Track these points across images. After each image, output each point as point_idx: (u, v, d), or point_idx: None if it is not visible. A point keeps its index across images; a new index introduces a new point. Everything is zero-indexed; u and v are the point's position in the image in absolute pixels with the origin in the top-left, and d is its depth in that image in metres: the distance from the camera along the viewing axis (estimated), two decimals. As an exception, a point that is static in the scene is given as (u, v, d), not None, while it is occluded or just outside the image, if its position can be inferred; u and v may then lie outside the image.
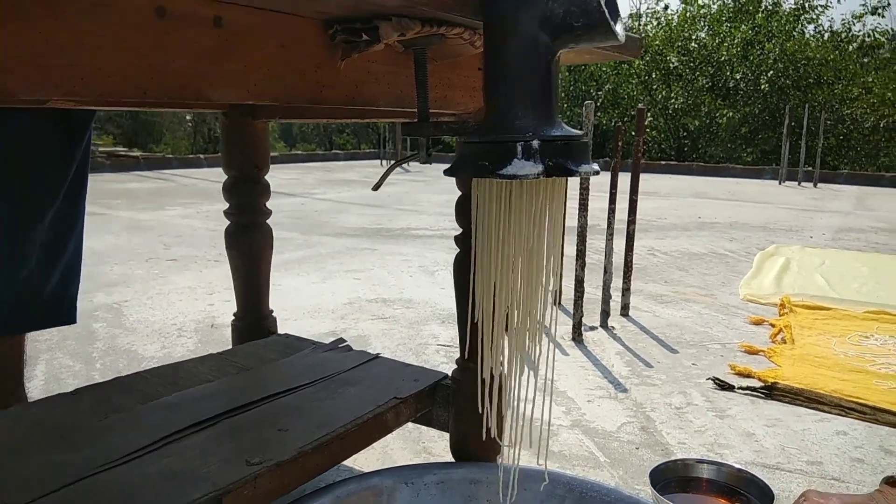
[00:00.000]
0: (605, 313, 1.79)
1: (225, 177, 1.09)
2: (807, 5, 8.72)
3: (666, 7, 10.38)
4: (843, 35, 9.03)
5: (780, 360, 1.55)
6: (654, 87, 9.68)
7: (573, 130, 0.61)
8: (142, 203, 4.23)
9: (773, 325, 1.83)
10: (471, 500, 0.82)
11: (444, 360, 1.53)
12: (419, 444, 1.14)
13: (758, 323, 1.86)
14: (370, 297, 2.08)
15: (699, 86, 9.19)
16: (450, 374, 0.93)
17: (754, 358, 1.59)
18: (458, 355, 0.90)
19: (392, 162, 0.77)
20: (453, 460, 0.92)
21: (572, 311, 1.71)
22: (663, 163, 8.54)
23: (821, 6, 8.81)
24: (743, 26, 8.85)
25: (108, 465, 0.68)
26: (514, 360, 0.66)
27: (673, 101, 9.36)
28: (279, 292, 2.13)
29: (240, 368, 0.97)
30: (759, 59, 8.56)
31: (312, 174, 6.73)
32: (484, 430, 0.70)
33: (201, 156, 7.71)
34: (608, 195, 1.78)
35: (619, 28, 0.62)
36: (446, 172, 0.62)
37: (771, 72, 8.35)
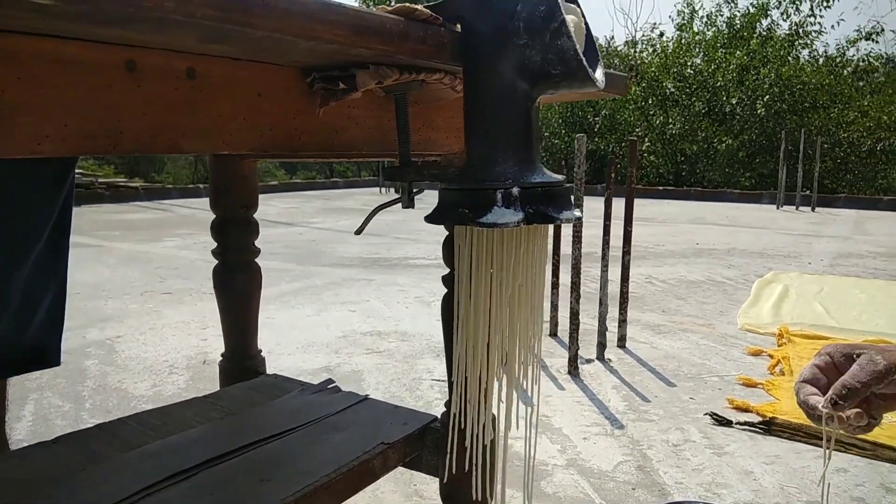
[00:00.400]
0: (602, 345, 1.77)
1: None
2: (801, 31, 8.80)
3: (661, 34, 10.46)
4: (838, 59, 9.10)
5: (779, 392, 1.53)
6: (651, 112, 9.74)
7: (554, 176, 0.60)
8: (140, 234, 4.22)
9: (771, 356, 1.81)
10: (459, 549, 0.80)
11: (437, 396, 1.51)
12: (410, 487, 1.12)
13: (756, 354, 1.84)
14: (365, 330, 2.06)
15: (696, 111, 9.24)
16: (439, 416, 0.92)
17: (752, 391, 1.57)
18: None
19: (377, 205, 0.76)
20: (443, 506, 0.90)
21: (568, 344, 1.69)
22: (661, 188, 8.55)
23: (815, 31, 8.90)
24: (738, 52, 8.92)
25: (84, 520, 0.66)
26: (499, 414, 0.65)
27: (670, 126, 9.40)
28: (273, 326, 2.11)
29: (225, 413, 0.95)
30: (754, 85, 8.61)
31: (312, 203, 6.74)
32: (473, 491, 0.68)
33: (200, 185, 7.73)
34: (602, 226, 1.78)
35: (598, 73, 0.62)
36: (427, 219, 0.61)
37: (767, 96, 8.39)
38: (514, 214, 0.57)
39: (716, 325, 2.17)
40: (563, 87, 0.58)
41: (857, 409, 0.52)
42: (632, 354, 1.83)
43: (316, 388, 1.04)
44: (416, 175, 0.65)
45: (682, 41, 9.69)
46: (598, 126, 10.32)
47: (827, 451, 0.55)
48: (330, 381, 1.07)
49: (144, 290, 2.64)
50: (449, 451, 0.71)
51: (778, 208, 6.60)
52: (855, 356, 0.54)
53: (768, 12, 9.03)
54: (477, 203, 0.57)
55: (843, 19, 10.91)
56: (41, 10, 0.35)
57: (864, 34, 8.78)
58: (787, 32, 8.94)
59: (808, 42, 8.92)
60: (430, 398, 1.51)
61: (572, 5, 0.60)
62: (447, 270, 0.77)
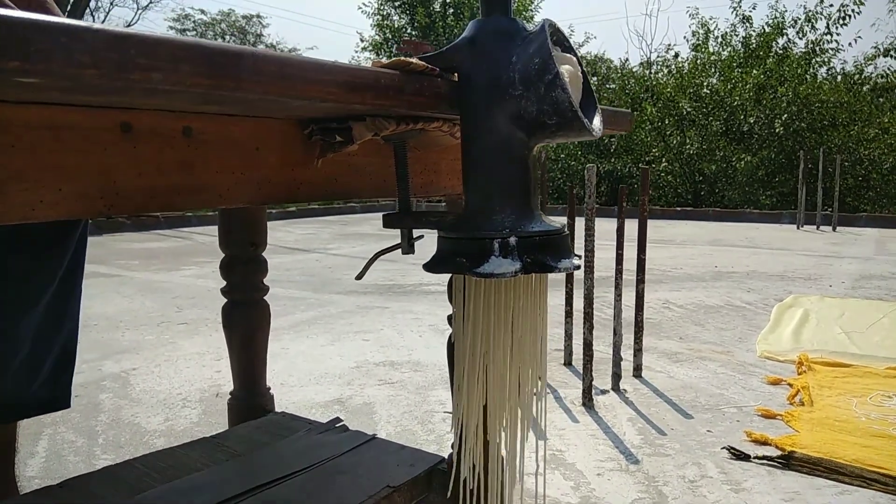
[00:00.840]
0: (617, 376, 1.75)
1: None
2: (817, 49, 8.75)
3: (676, 55, 10.45)
4: (856, 77, 9.03)
5: (798, 424, 1.50)
6: (668, 132, 9.71)
7: (552, 224, 0.60)
8: (158, 263, 4.27)
9: (791, 385, 1.77)
10: None
11: (449, 430, 1.50)
12: (420, 527, 1.10)
13: (775, 383, 1.81)
14: (378, 360, 2.05)
15: (713, 131, 9.20)
16: (446, 456, 0.91)
17: (771, 422, 1.53)
18: (452, 440, 0.88)
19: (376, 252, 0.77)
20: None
21: (582, 375, 1.67)
22: (679, 209, 8.50)
23: (832, 49, 8.85)
24: (754, 71, 8.89)
25: (86, 571, 0.66)
26: (497, 463, 0.64)
27: (688, 146, 9.36)
28: (287, 357, 2.11)
29: (231, 455, 0.95)
30: (772, 103, 8.57)
31: (329, 228, 6.78)
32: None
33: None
34: (615, 255, 1.76)
35: (596, 121, 0.62)
36: (425, 267, 0.61)
37: (785, 115, 8.34)
38: (512, 264, 0.56)
39: (734, 352, 2.13)
40: (560, 137, 0.58)
41: None
42: (648, 384, 1.81)
43: (323, 428, 1.04)
44: (415, 223, 0.65)
45: (698, 61, 9.68)
46: (614, 147, 10.31)
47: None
48: (337, 419, 1.06)
49: (161, 320, 2.66)
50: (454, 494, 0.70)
51: (798, 228, 6.52)
52: None
53: (784, 31, 9.01)
54: (474, 252, 0.57)
55: (860, 36, 10.82)
56: (28, 86, 0.35)
57: (882, 50, 8.70)
58: (804, 51, 8.90)
59: (826, 60, 8.87)
60: (442, 431, 1.49)
61: (569, 55, 0.60)
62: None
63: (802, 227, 6.55)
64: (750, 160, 8.71)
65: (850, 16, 8.51)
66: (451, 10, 13.31)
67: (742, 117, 8.90)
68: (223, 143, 0.55)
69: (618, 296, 1.77)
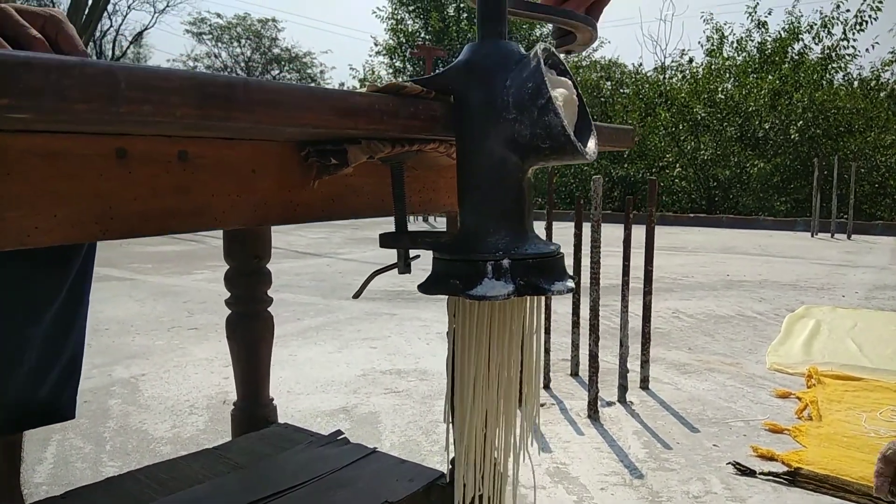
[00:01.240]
0: (623, 388, 1.74)
1: (226, 267, 1.10)
2: (834, 55, 8.69)
3: (690, 60, 10.41)
4: (873, 83, 8.95)
5: (806, 439, 1.49)
6: (682, 138, 9.67)
7: (547, 246, 0.60)
8: (171, 267, 4.30)
9: (799, 399, 1.76)
10: None
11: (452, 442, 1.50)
12: (420, 540, 1.11)
13: (784, 396, 1.79)
14: (385, 368, 2.06)
15: (728, 136, 9.15)
16: (446, 470, 0.91)
17: (778, 437, 1.52)
18: (451, 456, 0.88)
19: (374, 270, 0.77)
20: (448, 567, 0.88)
21: (588, 387, 1.66)
22: (692, 215, 8.45)
23: (848, 55, 8.78)
24: (770, 77, 8.83)
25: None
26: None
27: (702, 151, 9.32)
28: (295, 364, 2.12)
29: (232, 467, 0.95)
30: (787, 109, 8.51)
31: (340, 232, 6.80)
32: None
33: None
34: (622, 266, 1.76)
35: (591, 144, 0.62)
36: (420, 288, 0.61)
37: (801, 121, 8.28)
38: (504, 287, 0.56)
39: (744, 364, 2.12)
40: (554, 160, 0.58)
41: None
42: (655, 397, 1.80)
43: (324, 441, 1.04)
44: (411, 243, 0.66)
45: (712, 67, 9.63)
46: (627, 152, 10.27)
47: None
48: (339, 432, 1.07)
49: (172, 325, 2.68)
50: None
51: (812, 236, 6.47)
52: None
53: (800, 36, 8.95)
54: (467, 274, 0.57)
55: (877, 42, 10.74)
56: (20, 121, 0.36)
57: (899, 56, 8.63)
58: (820, 56, 8.83)
59: (842, 66, 8.80)
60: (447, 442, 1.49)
61: (564, 78, 0.60)
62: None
63: (817, 234, 6.50)
64: (764, 166, 8.66)
65: (867, 21, 8.44)
66: (465, 15, 13.35)
67: (757, 123, 8.85)
68: (219, 166, 0.55)
69: (624, 307, 1.76)
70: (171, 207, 0.52)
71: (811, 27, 8.94)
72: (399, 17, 13.88)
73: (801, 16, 9.33)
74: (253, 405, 1.13)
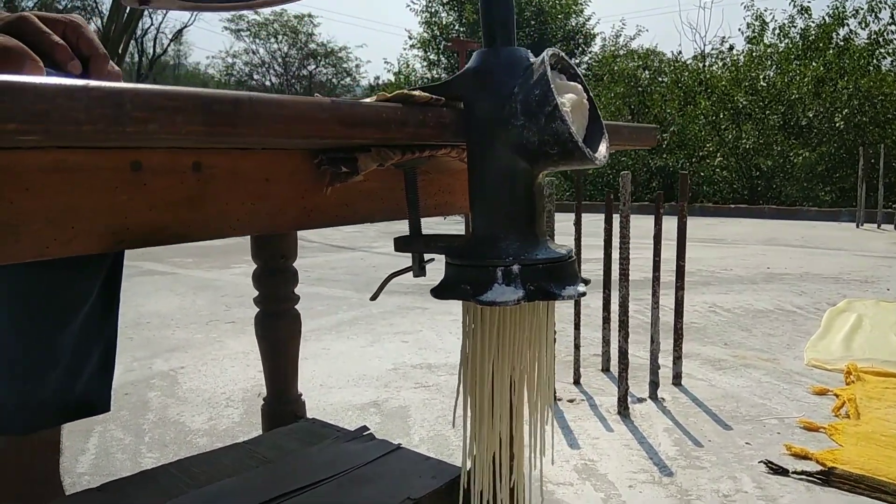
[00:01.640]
0: (654, 384, 1.73)
1: (254, 266, 1.12)
2: (881, 40, 8.39)
3: (731, 48, 10.17)
4: (924, 67, 8.64)
5: (842, 438, 1.45)
6: (723, 126, 9.47)
7: (559, 251, 0.60)
8: (210, 261, 4.39)
9: (837, 396, 1.72)
10: None
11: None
12: (445, 536, 1.12)
13: (821, 393, 1.75)
14: (415, 363, 2.08)
15: (770, 125, 8.92)
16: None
17: (814, 435, 1.49)
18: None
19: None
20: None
21: (618, 383, 1.65)
22: (732, 206, 8.28)
23: (898, 39, 8.47)
24: (813, 63, 8.58)
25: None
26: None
27: (744, 140, 9.11)
28: (328, 357, 2.16)
29: (260, 461, 0.98)
30: (832, 97, 8.26)
31: (375, 226, 6.85)
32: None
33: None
34: (653, 262, 1.74)
35: (602, 148, 0.61)
36: (432, 293, 0.61)
37: (846, 109, 8.03)
38: (514, 292, 0.57)
39: (781, 359, 2.08)
40: (563, 166, 0.58)
41: None
42: (687, 393, 1.78)
43: (351, 436, 1.06)
44: (424, 247, 0.66)
45: (754, 54, 9.39)
46: (666, 142, 10.11)
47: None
48: (364, 428, 1.09)
49: (210, 319, 2.75)
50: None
51: (858, 227, 6.28)
52: None
53: (845, 22, 8.66)
54: (478, 280, 0.58)
55: (929, 24, 10.32)
56: (28, 142, 0.37)
57: (953, 39, 8.30)
58: (866, 42, 8.54)
59: (890, 51, 8.49)
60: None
61: (573, 83, 0.60)
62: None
63: (862, 225, 6.30)
64: (809, 155, 8.43)
65: (917, 3, 8.12)
66: None
67: (800, 111, 8.61)
68: (233, 176, 0.56)
69: (655, 303, 1.74)
70: (185, 217, 0.54)
71: (857, 12, 8.64)
72: (433, 10, 13.87)
73: (847, 0, 9.04)
74: (282, 401, 1.15)
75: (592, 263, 3.18)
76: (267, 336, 1.14)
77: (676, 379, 1.84)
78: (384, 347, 2.26)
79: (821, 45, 8.83)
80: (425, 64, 16.86)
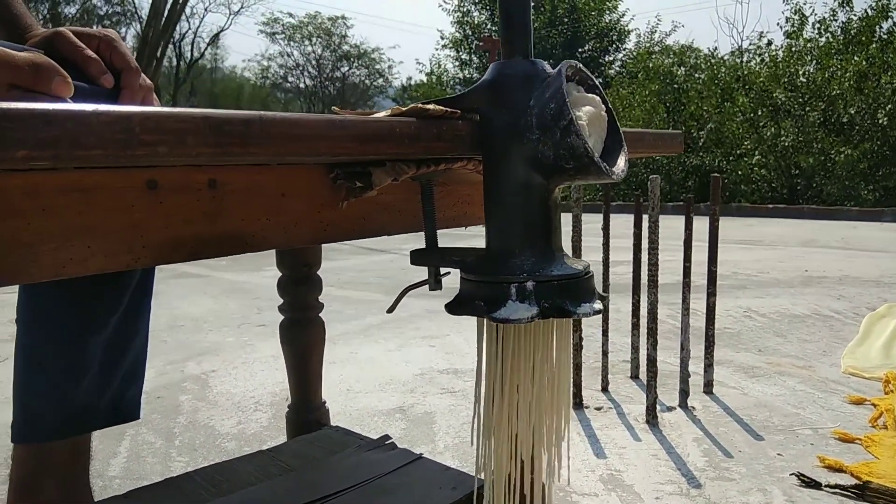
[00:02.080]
0: (684, 392, 1.70)
1: (279, 274, 1.13)
2: (927, 33, 8.14)
3: (769, 43, 9.95)
4: (973, 61, 8.34)
5: (879, 450, 1.41)
6: (762, 124, 9.27)
7: (574, 267, 0.59)
8: (243, 263, 4.45)
9: (875, 406, 1.67)
10: None
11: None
12: (468, 546, 1.11)
13: (858, 402, 1.70)
14: (442, 368, 2.07)
15: (810, 121, 8.71)
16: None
17: (849, 447, 1.45)
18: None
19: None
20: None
21: (646, 392, 1.63)
22: (771, 206, 8.11)
23: (945, 32, 8.20)
24: (855, 58, 8.35)
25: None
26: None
27: (783, 138, 8.92)
28: (356, 362, 2.17)
29: (284, 469, 0.99)
30: (875, 92, 8.03)
31: (407, 227, 6.88)
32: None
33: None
34: (682, 268, 1.71)
35: (620, 161, 0.60)
36: (446, 307, 0.61)
37: (889, 105, 7.80)
38: (528, 310, 0.56)
39: (817, 367, 2.02)
40: (580, 180, 0.57)
41: None
42: (718, 402, 1.74)
43: (373, 445, 1.06)
44: (440, 261, 0.66)
45: (793, 49, 9.18)
46: (702, 140, 9.94)
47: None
48: (386, 437, 1.09)
49: (241, 322, 2.78)
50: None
51: (903, 227, 6.09)
52: None
53: (889, 14, 8.41)
54: (491, 296, 0.57)
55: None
56: (41, 166, 0.38)
57: None
58: (912, 35, 8.28)
59: (937, 44, 8.23)
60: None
61: (592, 95, 0.59)
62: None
63: (907, 225, 6.12)
64: (851, 153, 8.21)
65: (966, -5, 7.85)
66: (532, 5, 13.17)
67: (842, 107, 8.39)
68: (249, 191, 0.57)
69: (685, 310, 1.71)
70: (201, 234, 0.54)
71: (902, 3, 8.39)
72: (465, 10, 13.86)
73: (892, -9, 8.77)
74: (306, 408, 1.16)
75: (623, 266, 3.14)
76: (291, 343, 1.15)
77: (708, 387, 1.80)
78: (411, 352, 2.27)
79: (863, 38, 8.59)
80: (457, 64, 16.86)
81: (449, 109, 0.58)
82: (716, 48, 13.62)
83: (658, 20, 28.40)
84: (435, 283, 0.68)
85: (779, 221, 7.08)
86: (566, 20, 14.77)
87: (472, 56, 14.53)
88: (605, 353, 1.84)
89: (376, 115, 0.59)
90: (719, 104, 9.84)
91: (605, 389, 1.83)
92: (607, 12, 15.37)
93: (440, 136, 0.57)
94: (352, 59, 21.60)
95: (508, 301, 0.57)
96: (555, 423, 0.61)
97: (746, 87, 9.56)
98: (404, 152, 0.54)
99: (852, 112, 8.29)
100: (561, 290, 0.57)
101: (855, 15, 8.83)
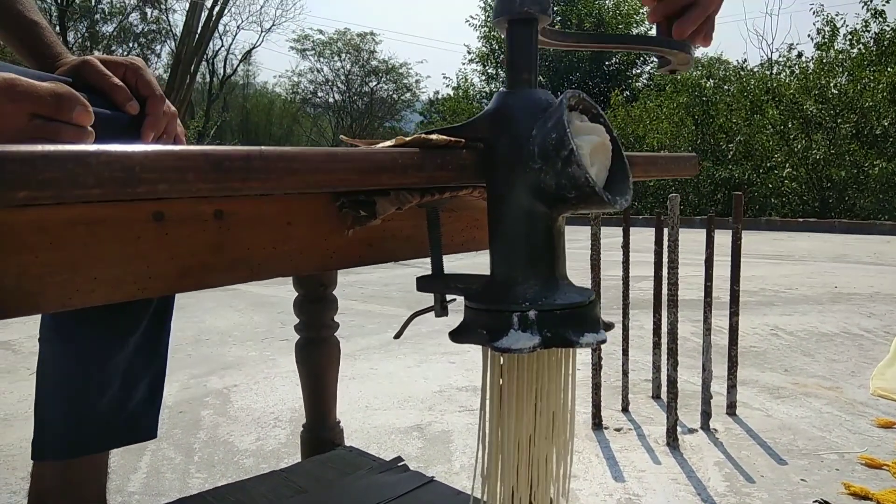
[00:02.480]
0: (706, 414, 1.67)
1: (295, 294, 1.14)
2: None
3: (800, 55, 9.83)
4: None
5: (909, 478, 1.37)
6: (792, 136, 9.14)
7: (578, 295, 0.59)
8: (269, 276, 4.50)
9: (905, 431, 1.62)
10: None
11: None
12: (481, 569, 1.10)
13: (887, 426, 1.66)
14: (461, 385, 2.07)
15: (842, 134, 8.57)
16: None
17: (876, 473, 1.41)
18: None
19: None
20: None
21: (667, 413, 1.60)
22: (801, 220, 7.97)
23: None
24: (889, 69, 8.20)
25: None
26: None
27: (814, 151, 8.77)
28: (375, 377, 2.17)
29: (295, 490, 0.99)
30: (909, 104, 7.89)
31: (432, 240, 6.89)
32: None
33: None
34: (704, 287, 1.68)
35: (624, 189, 0.60)
36: (450, 335, 0.61)
37: (925, 116, 7.65)
38: (530, 339, 0.56)
39: (844, 388, 1.98)
40: (583, 209, 0.57)
41: None
42: (741, 424, 1.71)
43: (385, 467, 1.06)
44: (444, 287, 0.66)
45: (824, 61, 9.05)
46: (732, 153, 9.83)
47: None
48: (399, 458, 1.09)
49: (265, 336, 2.81)
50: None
51: (939, 242, 5.94)
52: None
53: (924, 26, 8.26)
54: (493, 325, 0.57)
55: None
56: (43, 203, 0.39)
57: None
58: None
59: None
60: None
61: (596, 124, 0.59)
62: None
63: (944, 240, 5.96)
64: (885, 166, 8.05)
65: None
66: (559, 19, 13.22)
67: (875, 119, 8.23)
68: (254, 221, 0.58)
69: (706, 329, 1.69)
70: (207, 263, 0.55)
71: (937, 14, 8.23)
72: (492, 25, 13.92)
73: (927, 2, 8.61)
74: (320, 428, 1.16)
75: (647, 282, 3.11)
76: (306, 363, 1.15)
77: (731, 408, 1.77)
78: (431, 368, 2.26)
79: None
80: (483, 78, 16.92)
81: (453, 139, 0.58)
82: (745, 60, 13.50)
83: (686, 32, 28.14)
84: (441, 309, 0.68)
85: (809, 235, 6.95)
86: (593, 33, 14.74)
87: (499, 70, 14.58)
88: (625, 373, 1.82)
89: (381, 144, 0.59)
90: (749, 116, 9.72)
91: (625, 410, 1.81)
92: (634, 25, 15.32)
93: (444, 166, 0.57)
94: (380, 74, 21.82)
95: (511, 330, 0.56)
96: (557, 455, 0.60)
97: (776, 99, 9.43)
98: (407, 182, 0.55)
99: (886, 124, 8.13)
100: (564, 320, 0.57)
101: (888, 26, 8.68)
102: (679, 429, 1.64)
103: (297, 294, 1.16)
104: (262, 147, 0.46)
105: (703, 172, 9.91)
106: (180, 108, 10.61)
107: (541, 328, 0.56)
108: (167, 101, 0.82)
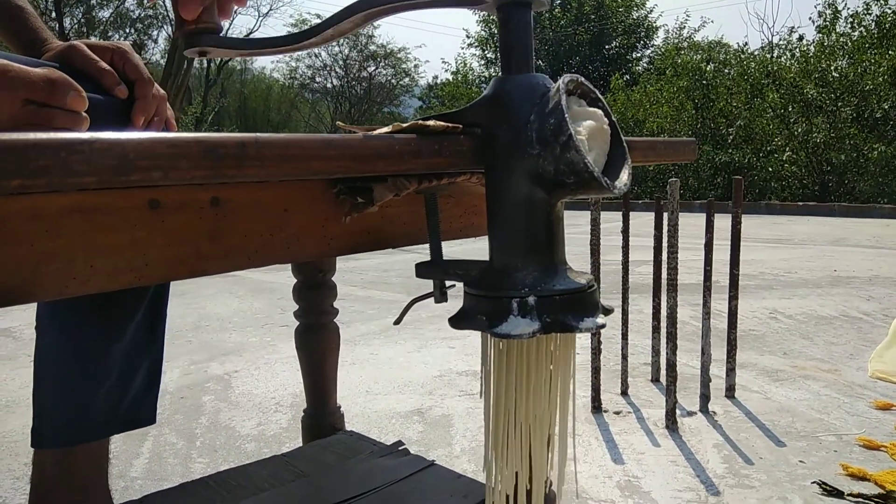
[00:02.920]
0: (705, 397, 1.68)
1: (293, 281, 1.14)
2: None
3: (801, 38, 9.76)
4: None
5: (906, 460, 1.38)
6: (792, 120, 9.11)
7: (578, 281, 0.58)
8: (268, 262, 4.50)
9: (903, 413, 1.63)
10: None
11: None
12: (481, 552, 1.11)
13: (884, 408, 1.67)
14: (461, 370, 2.07)
15: (843, 117, 8.53)
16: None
17: (873, 454, 1.42)
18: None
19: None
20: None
21: (666, 396, 1.61)
22: (801, 203, 7.96)
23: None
24: (889, 52, 8.15)
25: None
26: None
27: (814, 134, 8.74)
28: (376, 363, 2.18)
29: (297, 475, 1.00)
30: (910, 87, 7.85)
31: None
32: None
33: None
34: (703, 271, 1.69)
35: (623, 175, 0.60)
36: (450, 321, 0.61)
37: (925, 99, 7.61)
38: (529, 325, 0.56)
39: (843, 370, 1.98)
40: (581, 194, 0.57)
41: None
42: (740, 406, 1.72)
43: (386, 451, 1.07)
44: (443, 274, 0.66)
45: (825, 44, 8.99)
46: (732, 136, 9.80)
47: None
48: (399, 443, 1.09)
49: (265, 322, 2.82)
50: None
51: (939, 225, 5.94)
52: None
53: (926, 7, 8.19)
54: (493, 311, 0.57)
55: None
56: (37, 191, 0.39)
57: None
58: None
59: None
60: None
61: (594, 109, 0.59)
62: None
63: (944, 223, 5.96)
64: (884, 149, 8.02)
65: None
66: (557, 3, 13.12)
67: (875, 103, 8.20)
68: (251, 208, 0.57)
69: (706, 313, 1.69)
70: (204, 251, 0.55)
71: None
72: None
73: (928, -17, 8.54)
74: (321, 413, 1.17)
75: (647, 266, 3.11)
76: (306, 349, 1.16)
77: (730, 391, 1.78)
78: (431, 353, 2.27)
79: (897, 32, 8.39)
80: (483, 62, 16.83)
81: (450, 125, 0.58)
82: (745, 44, 13.42)
83: (687, 16, 28.03)
84: (440, 295, 0.68)
85: (808, 219, 6.95)
86: (593, 17, 14.65)
87: (498, 54, 14.50)
88: (624, 357, 1.83)
89: (379, 130, 0.59)
90: (749, 100, 9.68)
91: (624, 393, 1.82)
92: (635, 9, 15.22)
93: (441, 152, 0.57)
94: (378, 59, 21.69)
95: (510, 316, 0.56)
96: (558, 437, 0.61)
97: (777, 82, 9.39)
98: (404, 169, 0.54)
99: (886, 107, 8.10)
100: (563, 305, 0.57)
101: (889, 9, 8.62)
102: (678, 411, 1.65)
103: (296, 280, 1.16)
104: (258, 134, 0.46)
105: (702, 156, 9.88)
106: (178, 94, 10.55)
107: (540, 314, 0.56)
108: (155, 84, 0.81)
